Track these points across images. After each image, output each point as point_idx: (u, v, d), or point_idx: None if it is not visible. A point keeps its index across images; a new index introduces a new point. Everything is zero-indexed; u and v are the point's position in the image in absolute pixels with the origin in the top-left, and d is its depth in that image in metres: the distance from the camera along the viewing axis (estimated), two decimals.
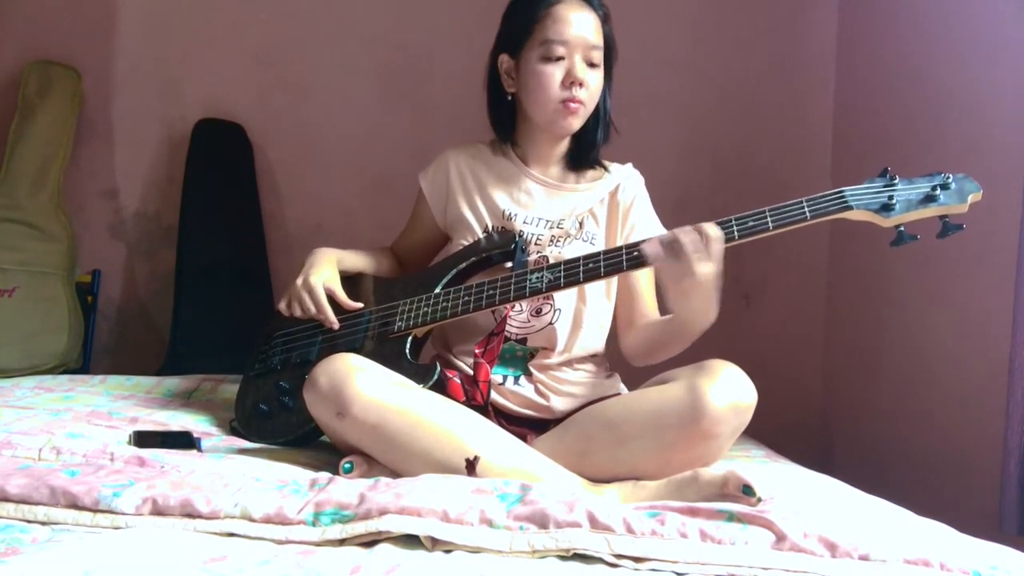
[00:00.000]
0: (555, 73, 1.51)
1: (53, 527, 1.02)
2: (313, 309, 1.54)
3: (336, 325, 1.54)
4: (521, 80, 1.56)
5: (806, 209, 1.32)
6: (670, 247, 1.32)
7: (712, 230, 1.31)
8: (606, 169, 1.65)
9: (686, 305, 1.37)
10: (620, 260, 1.40)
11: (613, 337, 1.64)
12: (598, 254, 1.42)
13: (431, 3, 2.67)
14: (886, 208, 1.30)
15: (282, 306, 1.58)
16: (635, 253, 1.39)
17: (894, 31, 2.42)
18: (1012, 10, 1.92)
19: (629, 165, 1.67)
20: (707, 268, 1.31)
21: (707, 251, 1.30)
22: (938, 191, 1.29)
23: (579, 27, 1.51)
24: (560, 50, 1.50)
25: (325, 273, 1.58)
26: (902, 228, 1.31)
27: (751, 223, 1.34)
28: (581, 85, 1.51)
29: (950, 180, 1.30)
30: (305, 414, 1.39)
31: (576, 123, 1.55)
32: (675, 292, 1.36)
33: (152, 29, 2.66)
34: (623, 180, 1.63)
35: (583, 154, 1.61)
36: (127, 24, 2.65)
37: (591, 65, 1.52)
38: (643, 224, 1.62)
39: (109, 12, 2.64)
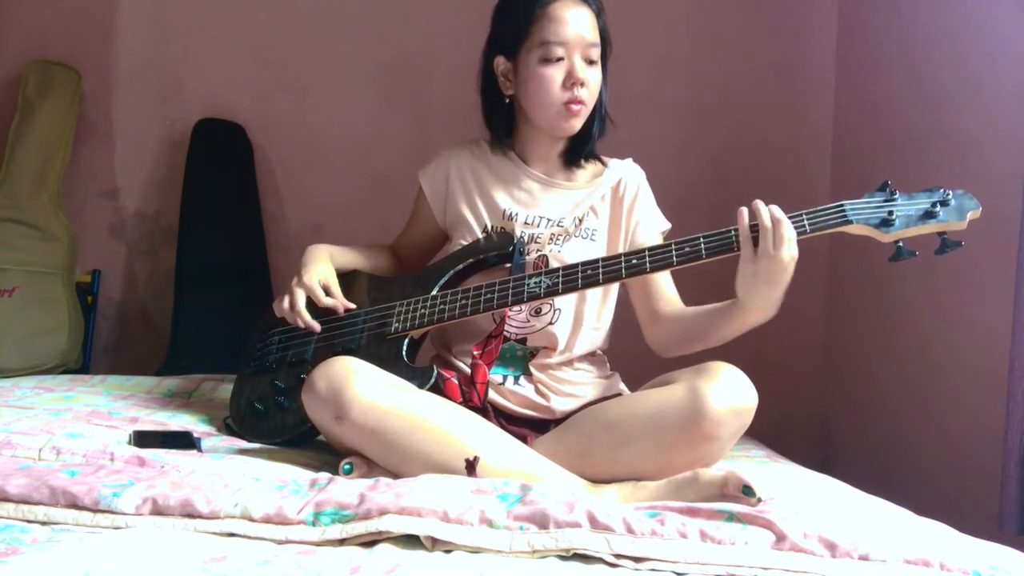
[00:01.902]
0: (555, 75, 1.50)
1: (53, 527, 1.02)
2: (305, 314, 1.52)
3: (317, 328, 1.52)
4: (520, 83, 1.55)
5: (806, 222, 1.33)
6: (765, 226, 1.30)
7: (783, 218, 1.30)
8: (604, 164, 1.65)
9: (753, 290, 1.34)
10: (619, 268, 1.40)
11: (614, 337, 1.64)
12: (597, 261, 1.42)
13: (431, 3, 2.67)
14: (885, 223, 1.30)
15: (278, 307, 1.56)
16: (633, 261, 1.39)
17: (894, 31, 2.42)
18: (1012, 10, 1.92)
19: (629, 160, 1.67)
20: (789, 253, 1.30)
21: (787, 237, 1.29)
22: (938, 207, 1.29)
23: (576, 26, 1.50)
24: (559, 51, 1.50)
25: (321, 271, 1.57)
26: (901, 244, 1.31)
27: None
28: (582, 85, 1.51)
29: (950, 197, 1.30)
30: (301, 414, 1.39)
31: (578, 123, 1.55)
32: (747, 273, 1.33)
33: (152, 29, 2.66)
34: (624, 175, 1.63)
35: (580, 148, 1.60)
36: (127, 24, 2.65)
37: (590, 62, 1.52)
38: (647, 220, 1.62)
39: (109, 12, 2.64)
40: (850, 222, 1.32)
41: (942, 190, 1.31)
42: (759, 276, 1.32)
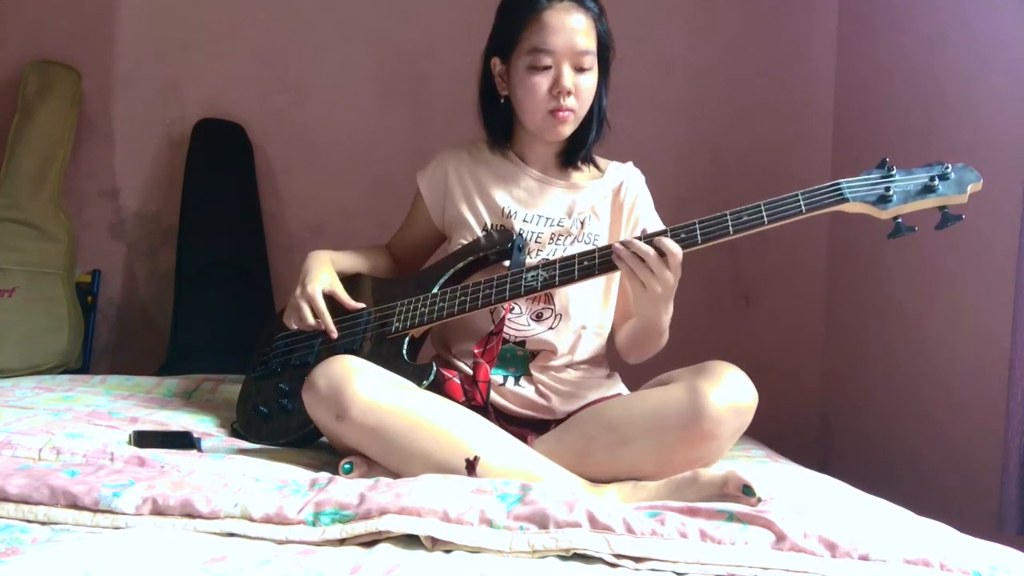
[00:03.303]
0: (542, 83, 1.50)
1: (53, 527, 1.02)
2: (313, 321, 1.53)
3: (335, 334, 1.53)
4: (512, 86, 1.56)
5: (801, 202, 1.31)
6: (636, 258, 1.35)
7: (672, 246, 1.33)
8: (599, 168, 1.65)
9: (647, 309, 1.41)
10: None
11: (612, 337, 1.64)
12: (593, 251, 1.42)
13: (431, 4, 2.67)
14: (883, 200, 1.29)
15: (288, 321, 1.57)
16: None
17: (894, 31, 2.42)
18: (1011, 10, 1.92)
19: (630, 164, 1.67)
20: (668, 279, 1.34)
21: (667, 263, 1.33)
22: (937, 181, 1.27)
23: (567, 34, 1.49)
24: (547, 60, 1.49)
25: (324, 279, 1.57)
26: (899, 220, 1.29)
27: (745, 217, 1.34)
28: (569, 94, 1.50)
29: (949, 170, 1.28)
30: (304, 416, 1.39)
31: (567, 130, 1.54)
32: (639, 297, 1.39)
33: (152, 29, 2.66)
34: (625, 178, 1.63)
35: (576, 151, 1.60)
36: (127, 24, 2.65)
37: (581, 70, 1.51)
38: (646, 223, 1.61)
39: (109, 12, 2.64)
40: (847, 200, 1.30)
41: (942, 164, 1.29)
42: (652, 300, 1.38)
